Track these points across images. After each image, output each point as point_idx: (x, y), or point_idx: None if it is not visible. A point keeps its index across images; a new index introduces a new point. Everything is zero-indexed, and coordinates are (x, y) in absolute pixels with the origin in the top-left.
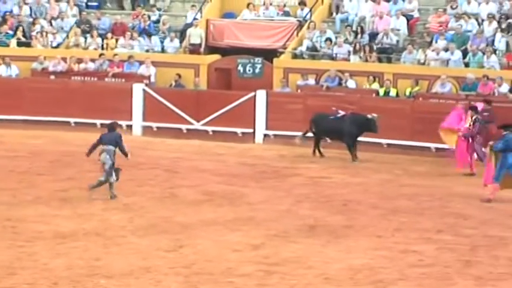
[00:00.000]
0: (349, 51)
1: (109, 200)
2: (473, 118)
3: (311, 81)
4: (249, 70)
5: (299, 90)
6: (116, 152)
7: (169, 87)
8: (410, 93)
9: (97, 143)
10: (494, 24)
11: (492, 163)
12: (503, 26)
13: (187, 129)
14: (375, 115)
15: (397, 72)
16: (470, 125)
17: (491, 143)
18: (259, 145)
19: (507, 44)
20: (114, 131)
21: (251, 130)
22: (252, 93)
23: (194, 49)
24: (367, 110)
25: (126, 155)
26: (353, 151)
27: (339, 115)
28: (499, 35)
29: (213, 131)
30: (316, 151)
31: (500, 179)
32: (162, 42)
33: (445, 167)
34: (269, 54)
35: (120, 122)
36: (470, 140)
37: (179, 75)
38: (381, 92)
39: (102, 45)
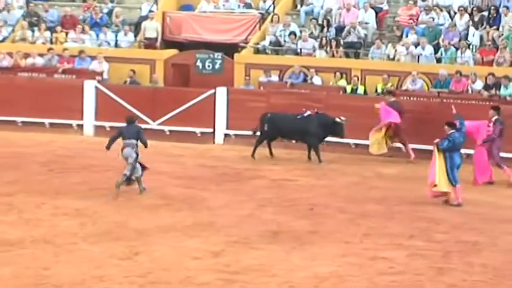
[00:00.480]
0: (314, 46)
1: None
2: (494, 119)
3: (274, 77)
4: (209, 66)
5: (261, 87)
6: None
7: (123, 84)
8: (382, 90)
9: (117, 135)
10: (466, 17)
11: (436, 161)
12: (476, 19)
13: (143, 129)
14: (343, 118)
15: (366, 68)
16: (489, 128)
17: (436, 141)
18: (219, 146)
19: (481, 38)
20: (133, 123)
21: (211, 130)
22: (212, 91)
23: (150, 43)
24: (334, 109)
25: (146, 145)
26: (318, 152)
27: (305, 114)
28: (472, 28)
29: (170, 131)
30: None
31: (459, 180)
32: (115, 36)
33: (415, 168)
34: (230, 49)
35: (70, 122)
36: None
37: (134, 72)
38: (348, 89)
39: (51, 39)
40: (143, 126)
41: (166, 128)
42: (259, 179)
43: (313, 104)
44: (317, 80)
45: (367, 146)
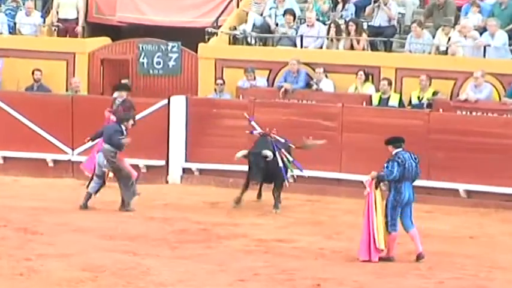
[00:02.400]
0: (323, 33)
1: None
2: None
3: (261, 80)
4: (159, 63)
5: (241, 96)
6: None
7: (25, 92)
8: (420, 99)
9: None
10: None
11: (372, 211)
12: None
13: (55, 161)
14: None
15: (402, 67)
16: None
17: (374, 174)
18: (175, 186)
19: None
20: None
21: (162, 162)
22: (164, 102)
23: (66, 28)
24: (353, 129)
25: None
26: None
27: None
28: None
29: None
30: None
31: (398, 226)
32: (11, 17)
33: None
34: (191, 37)
35: None
36: None
37: (40, 72)
38: (375, 98)
39: None
40: (56, 157)
41: None
42: (237, 238)
43: (321, 122)
44: (327, 85)
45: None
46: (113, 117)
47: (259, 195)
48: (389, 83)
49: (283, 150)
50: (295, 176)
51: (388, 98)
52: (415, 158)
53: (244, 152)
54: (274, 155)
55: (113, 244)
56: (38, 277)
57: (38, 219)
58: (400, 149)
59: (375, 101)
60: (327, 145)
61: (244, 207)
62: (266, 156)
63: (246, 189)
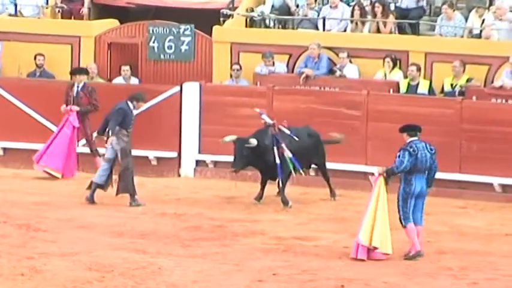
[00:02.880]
0: (347, 14)
1: None
2: None
3: (280, 66)
4: (170, 47)
5: (259, 83)
6: None
7: (27, 78)
8: (453, 87)
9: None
10: None
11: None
12: None
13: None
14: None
15: (433, 51)
16: None
17: (380, 169)
18: (188, 180)
19: None
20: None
21: (174, 154)
22: (176, 89)
23: (71, 10)
24: (379, 117)
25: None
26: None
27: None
28: None
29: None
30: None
31: (411, 217)
32: None
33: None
34: (205, 19)
35: None
36: None
37: (43, 56)
38: (403, 85)
39: None
40: None
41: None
42: (255, 236)
43: (344, 111)
44: (351, 71)
45: (442, 181)
46: (75, 108)
47: (262, 190)
48: (418, 69)
49: (283, 144)
50: (303, 171)
51: (417, 84)
52: (431, 149)
53: (233, 137)
54: (272, 149)
55: (121, 242)
56: (41, 277)
57: (41, 214)
58: (414, 138)
59: (403, 88)
60: (352, 136)
61: (263, 203)
62: (249, 144)
63: (265, 183)
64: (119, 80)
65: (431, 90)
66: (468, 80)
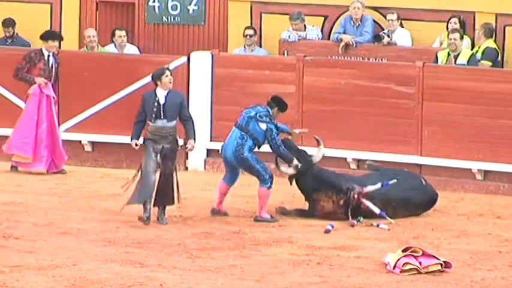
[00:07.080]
0: None
1: None
2: None
3: (313, 31)
4: (175, 7)
5: (286, 53)
6: None
7: None
8: None
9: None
10: None
11: None
12: None
13: None
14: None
15: (505, 12)
16: None
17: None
18: (197, 174)
19: None
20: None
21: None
22: (182, 59)
23: None
24: (438, 94)
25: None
26: None
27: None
28: None
29: (94, 143)
30: None
31: None
32: None
33: None
34: None
35: None
36: None
37: (13, 21)
38: (464, 55)
39: None
40: None
41: (85, 138)
42: (281, 245)
43: (393, 87)
44: (403, 37)
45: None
46: (42, 80)
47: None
48: (462, 37)
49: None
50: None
51: (457, 55)
52: None
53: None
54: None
55: (113, 252)
56: None
57: (13, 218)
58: None
59: (465, 58)
60: (403, 119)
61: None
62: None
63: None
64: (110, 48)
65: (470, 61)
66: None
